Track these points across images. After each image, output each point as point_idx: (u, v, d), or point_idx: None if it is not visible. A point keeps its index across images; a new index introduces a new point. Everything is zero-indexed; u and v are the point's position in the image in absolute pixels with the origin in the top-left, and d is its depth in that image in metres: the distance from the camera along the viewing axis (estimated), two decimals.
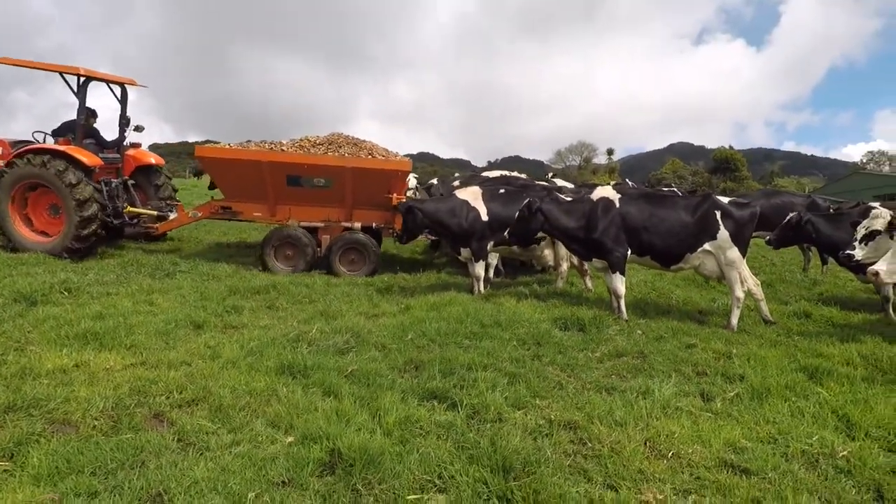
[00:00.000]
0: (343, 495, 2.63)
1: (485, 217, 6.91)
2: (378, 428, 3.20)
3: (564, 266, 7.39)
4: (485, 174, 14.12)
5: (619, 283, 6.07)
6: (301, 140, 8.49)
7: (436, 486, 2.74)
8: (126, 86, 9.24)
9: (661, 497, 2.67)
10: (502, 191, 7.25)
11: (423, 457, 2.91)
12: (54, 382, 3.66)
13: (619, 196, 6.24)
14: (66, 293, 5.99)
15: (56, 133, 8.84)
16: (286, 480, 2.72)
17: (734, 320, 5.88)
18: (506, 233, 6.58)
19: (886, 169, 64.65)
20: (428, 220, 6.85)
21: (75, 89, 8.53)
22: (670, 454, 3.07)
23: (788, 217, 6.74)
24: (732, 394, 3.93)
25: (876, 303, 6.90)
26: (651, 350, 4.88)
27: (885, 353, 4.76)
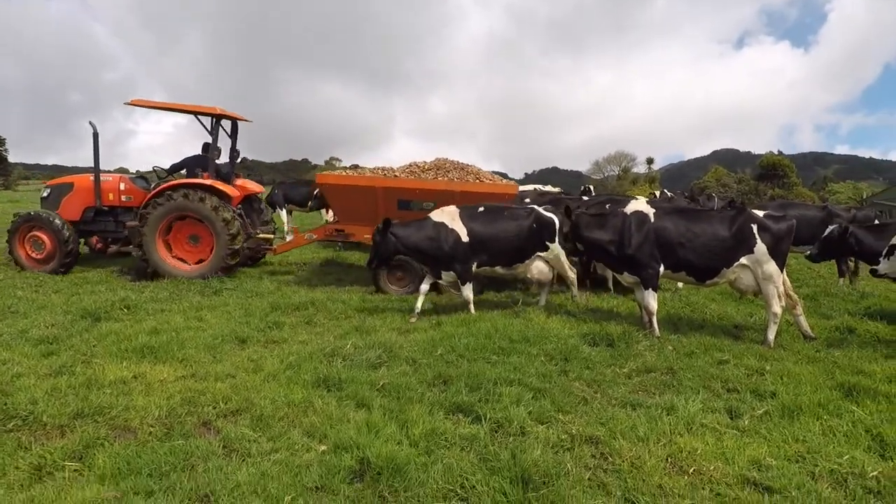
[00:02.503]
0: (370, 501, 2.81)
1: (465, 238, 6.72)
2: (405, 439, 3.38)
3: (572, 274, 7.18)
4: (521, 188, 14.17)
5: (652, 299, 6.03)
6: (410, 165, 8.91)
7: (458, 495, 2.88)
8: (237, 121, 9.90)
9: None
10: (482, 209, 7.03)
11: (446, 467, 3.06)
12: (116, 392, 4.02)
13: (653, 210, 6.22)
14: (125, 310, 6.50)
15: (175, 168, 9.52)
16: (319, 486, 2.92)
17: (771, 336, 5.76)
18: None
19: None
20: (402, 245, 6.70)
21: (209, 128, 9.21)
22: (691, 470, 3.10)
23: (830, 230, 6.58)
24: (761, 411, 3.90)
25: None
26: (681, 366, 4.87)
27: None
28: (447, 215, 6.83)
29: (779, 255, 5.91)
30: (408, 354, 4.99)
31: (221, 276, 8.53)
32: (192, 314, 6.40)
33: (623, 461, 3.17)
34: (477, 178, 8.51)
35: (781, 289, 5.88)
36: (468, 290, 6.74)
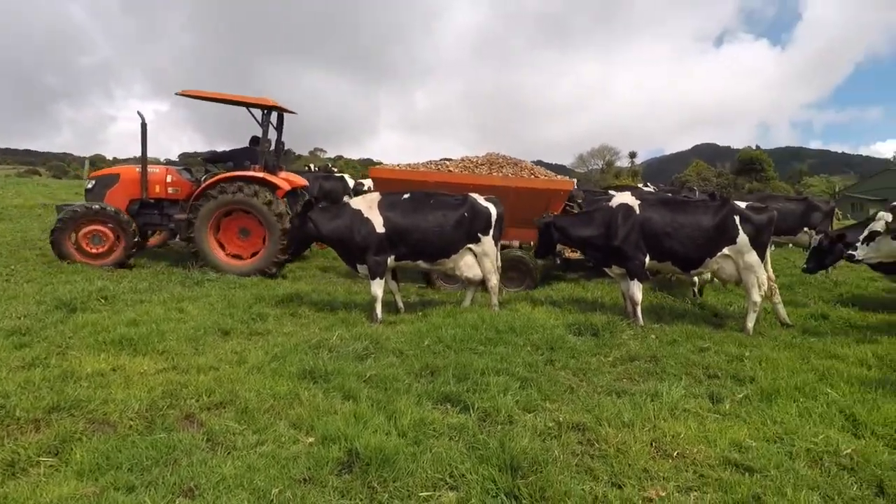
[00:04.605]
0: (360, 492, 2.80)
1: (380, 229, 6.15)
2: (394, 429, 3.37)
3: (494, 280, 6.47)
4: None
5: (637, 290, 6.10)
6: (463, 160, 8.76)
7: (447, 484, 2.89)
8: (283, 113, 9.67)
9: (663, 494, 2.77)
10: (406, 196, 6.44)
11: (435, 457, 3.06)
12: (93, 385, 3.90)
13: (638, 202, 6.28)
14: (103, 300, 6.32)
15: (220, 158, 9.35)
16: (307, 478, 2.89)
17: (750, 324, 5.90)
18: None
19: None
20: (318, 231, 6.25)
21: (259, 119, 9.01)
22: (675, 454, 3.16)
23: (818, 240, 6.85)
24: (741, 395, 4.00)
25: None
26: (664, 354, 4.95)
27: None
28: (366, 202, 6.30)
29: (759, 246, 6.04)
30: (395, 346, 4.97)
31: (275, 273, 8.50)
32: (172, 305, 6.27)
33: (609, 447, 3.21)
34: (531, 174, 8.37)
35: (763, 278, 6.02)
36: (377, 287, 6.09)
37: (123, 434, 3.29)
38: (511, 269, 8.11)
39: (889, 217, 5.40)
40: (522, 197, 7.93)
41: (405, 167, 8.62)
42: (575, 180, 8.69)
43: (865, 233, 5.58)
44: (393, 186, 8.12)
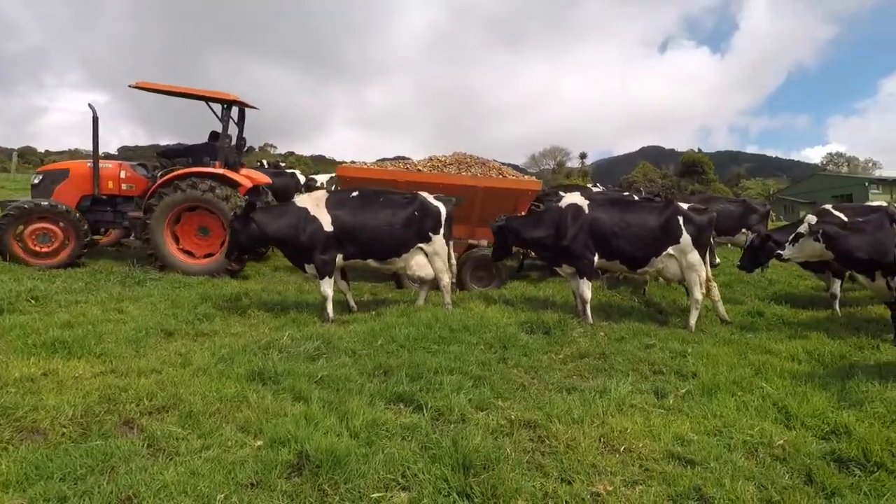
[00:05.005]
0: (309, 495, 2.74)
1: (328, 227, 6.05)
2: (345, 431, 3.31)
3: (446, 279, 6.49)
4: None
5: (587, 288, 6.25)
6: (430, 159, 8.64)
7: (399, 484, 2.87)
8: (245, 108, 9.30)
9: (610, 488, 2.86)
10: (355, 194, 6.33)
11: (387, 457, 3.03)
12: (22, 391, 3.66)
13: (587, 202, 6.43)
14: (33, 301, 5.94)
15: (177, 153, 8.93)
16: (255, 482, 2.81)
17: (693, 321, 6.16)
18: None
19: (845, 170, 67.87)
20: (263, 232, 6.01)
21: (219, 115, 8.68)
22: (622, 448, 3.26)
23: (751, 239, 7.20)
24: (684, 390, 4.17)
25: (824, 300, 7.30)
26: (612, 351, 5.10)
27: (828, 347, 5.10)
28: (312, 201, 6.12)
29: (701, 245, 6.31)
30: (347, 346, 4.90)
31: (228, 276, 8.23)
32: (111, 306, 5.96)
33: (559, 443, 3.28)
34: (500, 174, 8.37)
35: (703, 276, 6.30)
36: (326, 286, 5.97)
37: (55, 442, 3.10)
38: (480, 269, 8.18)
39: (813, 220, 5.76)
40: (492, 197, 8.00)
41: (373, 166, 8.55)
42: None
43: (793, 234, 5.94)
44: (361, 185, 8.19)
